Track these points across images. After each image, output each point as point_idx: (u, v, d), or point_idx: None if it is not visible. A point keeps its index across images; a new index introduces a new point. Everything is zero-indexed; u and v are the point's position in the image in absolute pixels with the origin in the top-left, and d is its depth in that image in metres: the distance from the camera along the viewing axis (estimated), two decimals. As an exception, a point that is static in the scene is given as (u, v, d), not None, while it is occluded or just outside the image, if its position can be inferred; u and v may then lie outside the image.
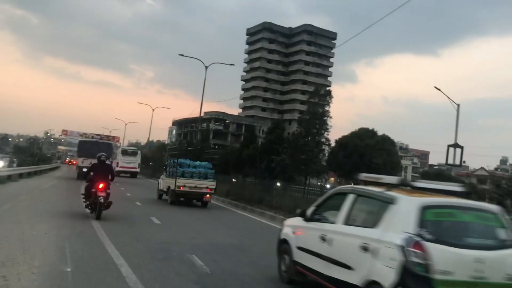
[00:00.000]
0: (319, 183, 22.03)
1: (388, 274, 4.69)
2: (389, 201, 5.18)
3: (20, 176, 27.54)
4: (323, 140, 19.09)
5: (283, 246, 7.15)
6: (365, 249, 5.10)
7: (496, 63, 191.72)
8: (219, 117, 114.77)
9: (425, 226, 4.75)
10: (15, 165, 30.77)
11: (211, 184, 19.69)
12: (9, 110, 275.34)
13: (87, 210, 12.63)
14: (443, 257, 4.55)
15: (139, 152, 50.01)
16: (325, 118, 18.96)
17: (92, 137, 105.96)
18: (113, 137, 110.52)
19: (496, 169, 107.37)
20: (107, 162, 13.44)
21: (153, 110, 72.64)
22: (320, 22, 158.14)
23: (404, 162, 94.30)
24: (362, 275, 5.03)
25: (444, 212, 4.99)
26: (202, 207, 19.45)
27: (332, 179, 45.41)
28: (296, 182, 20.30)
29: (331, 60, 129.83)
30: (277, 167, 19.23)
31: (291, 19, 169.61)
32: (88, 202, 12.62)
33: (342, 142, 15.51)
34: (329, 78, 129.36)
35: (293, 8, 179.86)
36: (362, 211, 5.72)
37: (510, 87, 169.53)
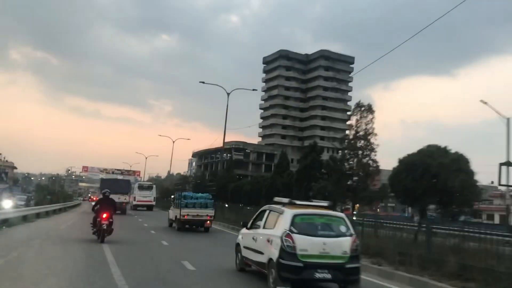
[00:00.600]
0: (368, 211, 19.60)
1: (275, 253, 8.33)
2: (280, 212, 8.98)
3: (38, 215, 25.82)
4: (370, 162, 16.53)
5: (237, 247, 10.90)
6: (268, 241, 8.80)
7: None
8: (239, 147, 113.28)
9: (294, 226, 8.37)
10: (32, 204, 28.97)
11: (211, 212, 23.40)
12: (31, 149, 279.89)
13: (95, 236, 15.30)
14: (302, 242, 8.18)
15: (154, 186, 52.39)
16: (369, 137, 16.50)
17: (113, 172, 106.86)
18: (134, 172, 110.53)
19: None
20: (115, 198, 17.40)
21: (173, 142, 72.43)
22: (334, 49, 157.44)
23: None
24: (266, 256, 8.75)
25: (306, 217, 8.68)
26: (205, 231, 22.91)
27: (357, 206, 42.43)
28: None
29: (349, 84, 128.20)
30: (317, 195, 17.01)
31: (305, 48, 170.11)
32: (94, 230, 15.49)
33: (408, 162, 13.10)
34: (348, 103, 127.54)
35: (307, 37, 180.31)
36: (270, 220, 9.33)
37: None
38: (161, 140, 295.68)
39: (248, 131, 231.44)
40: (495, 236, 10.67)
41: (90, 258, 11.28)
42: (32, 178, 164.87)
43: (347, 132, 17.61)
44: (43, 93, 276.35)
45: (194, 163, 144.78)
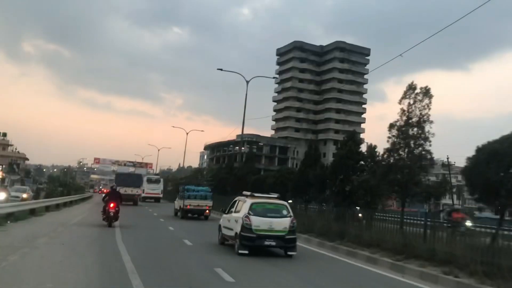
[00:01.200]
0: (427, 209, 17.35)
1: (239, 228, 12.26)
2: (244, 201, 13.05)
3: (47, 209, 24.11)
4: (424, 153, 14.53)
5: (219, 227, 14.99)
6: (236, 221, 12.82)
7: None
8: (252, 140, 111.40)
9: (251, 210, 12.39)
10: (43, 195, 27.18)
11: (209, 203, 27.30)
12: (44, 141, 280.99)
13: (104, 222, 18.48)
14: (256, 221, 12.11)
15: (161, 180, 56.36)
16: (423, 124, 14.42)
17: (125, 164, 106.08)
18: (146, 164, 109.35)
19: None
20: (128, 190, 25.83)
21: (187, 133, 71.08)
22: (347, 41, 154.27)
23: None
24: (234, 231, 12.68)
25: (260, 205, 12.75)
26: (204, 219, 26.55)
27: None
28: (378, 208, 16.15)
29: (365, 76, 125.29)
30: (358, 190, 15.02)
31: (317, 41, 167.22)
32: (104, 216, 18.70)
33: (491, 150, 11.13)
34: (364, 95, 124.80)
35: (320, 30, 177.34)
36: (238, 207, 13.45)
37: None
38: (173, 133, 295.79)
39: (260, 124, 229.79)
40: None
41: (105, 267, 9.26)
42: (44, 170, 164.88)
43: (397, 117, 15.32)
44: (55, 85, 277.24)
45: (205, 156, 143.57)
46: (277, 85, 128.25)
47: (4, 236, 12.22)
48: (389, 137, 14.89)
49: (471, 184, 11.46)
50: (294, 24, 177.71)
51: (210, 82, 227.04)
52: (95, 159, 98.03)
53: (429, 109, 14.85)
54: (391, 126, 15.01)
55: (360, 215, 15.38)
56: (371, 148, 16.35)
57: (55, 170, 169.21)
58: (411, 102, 14.73)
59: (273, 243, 12.25)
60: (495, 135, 19.11)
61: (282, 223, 12.35)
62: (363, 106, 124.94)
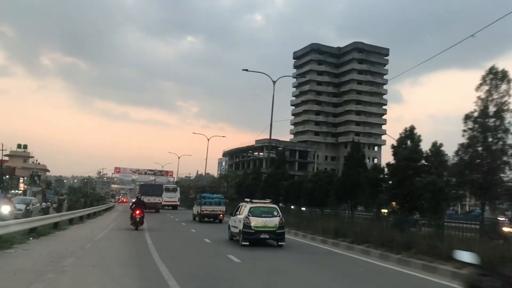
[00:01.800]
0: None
1: (241, 226, 16.25)
2: (245, 206, 17.19)
3: (71, 221, 22.67)
4: (506, 148, 12.61)
5: (228, 227, 18.69)
6: (239, 221, 16.66)
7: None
8: (271, 145, 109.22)
9: (250, 212, 16.46)
10: (65, 208, 25.65)
11: (223, 208, 31.32)
12: (63, 153, 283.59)
13: (132, 226, 21.94)
14: (253, 220, 16.17)
15: (178, 188, 61.21)
16: (503, 114, 12.43)
17: (145, 173, 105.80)
18: (167, 172, 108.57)
19: None
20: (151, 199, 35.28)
21: (208, 139, 69.41)
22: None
23: None
24: (238, 228, 16.65)
25: (256, 208, 16.80)
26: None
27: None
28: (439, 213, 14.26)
29: (384, 77, 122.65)
30: (424, 192, 13.10)
31: (331, 44, 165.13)
32: (132, 221, 22.10)
33: None
34: (384, 96, 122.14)
35: (332, 34, 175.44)
36: (241, 210, 17.28)
37: None
38: (191, 140, 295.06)
39: (279, 129, 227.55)
40: None
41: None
42: (64, 181, 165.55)
43: (476, 106, 13.22)
44: (72, 97, 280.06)
45: (224, 163, 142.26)
46: (295, 89, 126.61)
47: (26, 257, 10.65)
48: (464, 131, 13.04)
49: None
50: (307, 29, 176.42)
51: (225, 89, 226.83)
52: (115, 168, 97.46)
53: (509, 96, 12.90)
54: (467, 117, 13.15)
55: (508, 229, 12.76)
56: (436, 146, 14.44)
57: (75, 180, 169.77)
58: (490, 88, 12.76)
59: (267, 236, 16.45)
60: None
61: (273, 221, 16.49)
62: (384, 107, 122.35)
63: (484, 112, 13.08)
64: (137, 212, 21.91)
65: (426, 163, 14.36)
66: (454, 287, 9.12)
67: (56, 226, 18.88)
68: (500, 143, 12.76)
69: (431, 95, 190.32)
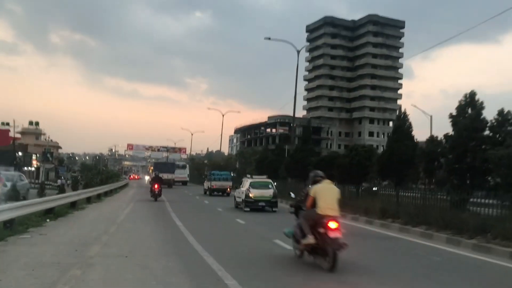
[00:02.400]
0: None
1: (243, 196, 21.59)
2: (246, 180, 22.65)
3: (88, 200, 21.24)
4: None
5: (234, 198, 23.96)
6: (242, 192, 22.02)
7: None
8: (284, 121, 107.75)
9: (251, 185, 21.67)
10: (81, 186, 24.14)
11: (229, 183, 36.41)
12: (74, 130, 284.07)
13: (151, 198, 26.41)
14: (254, 191, 21.23)
15: (187, 165, 67.32)
16: None
17: (158, 150, 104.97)
18: (180, 149, 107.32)
19: None
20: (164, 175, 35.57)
21: (223, 115, 67.76)
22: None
23: None
24: (241, 198, 22.00)
25: (255, 182, 22.09)
26: (226, 196, 34.50)
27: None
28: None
29: (400, 50, 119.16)
30: (496, 167, 11.33)
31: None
32: (151, 194, 26.57)
33: None
34: (399, 70, 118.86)
35: (343, 8, 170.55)
36: (244, 184, 22.67)
37: None
38: (203, 117, 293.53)
39: (291, 105, 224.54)
40: None
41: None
42: (76, 158, 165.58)
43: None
44: (82, 75, 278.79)
45: (235, 140, 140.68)
46: (308, 63, 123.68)
47: (44, 245, 9.09)
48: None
49: None
50: (317, 3, 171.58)
51: (234, 66, 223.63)
52: (128, 145, 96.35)
53: None
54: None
55: None
56: (503, 114, 12.57)
57: (87, 158, 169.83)
58: None
59: (264, 204, 21.03)
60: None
61: (268, 192, 21.35)
62: (399, 81, 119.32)
63: None
64: (156, 186, 26.62)
65: (491, 134, 12.54)
66: None
67: (73, 205, 17.42)
68: None
69: (442, 70, 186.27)
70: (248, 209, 20.84)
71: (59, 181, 56.04)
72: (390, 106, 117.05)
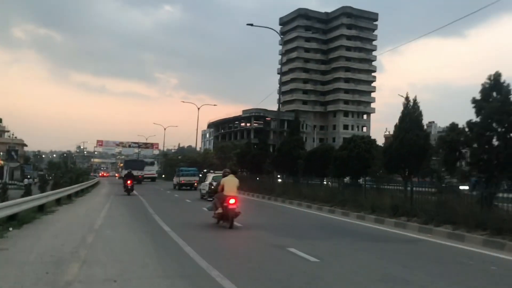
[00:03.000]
0: None
1: (207, 189, 24.79)
2: (210, 175, 27.91)
3: (58, 202, 18.91)
4: None
5: (200, 190, 28.58)
6: (206, 185, 25.88)
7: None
8: (259, 114, 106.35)
9: (213, 179, 23.93)
10: (49, 187, 21.51)
11: (196, 178, 40.50)
12: (41, 127, 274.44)
13: (124, 192, 29.57)
14: (215, 184, 17.56)
15: (155, 162, 73.61)
16: None
17: (130, 146, 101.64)
18: (152, 144, 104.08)
19: None
20: (134, 172, 35.63)
21: (198, 108, 65.39)
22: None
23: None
24: (206, 190, 25.41)
25: (217, 176, 22.06)
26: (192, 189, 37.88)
27: None
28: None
29: (373, 43, 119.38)
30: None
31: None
32: (125, 189, 29.71)
33: None
34: (373, 63, 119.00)
35: (314, 3, 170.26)
36: (207, 178, 27.79)
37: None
38: (174, 112, 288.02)
39: (265, 99, 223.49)
40: None
41: None
42: (43, 156, 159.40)
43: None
44: (48, 70, 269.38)
45: (208, 134, 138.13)
46: (281, 56, 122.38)
47: (5, 265, 7.00)
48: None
49: None
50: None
51: (204, 60, 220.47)
52: (98, 141, 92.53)
53: None
54: None
55: None
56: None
57: (54, 156, 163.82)
58: None
59: None
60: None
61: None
62: (373, 74, 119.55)
63: None
64: (128, 182, 29.84)
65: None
66: None
67: (42, 208, 15.16)
68: None
69: (411, 64, 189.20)
70: (211, 199, 21.73)
71: (25, 180, 52.62)
72: (364, 99, 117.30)
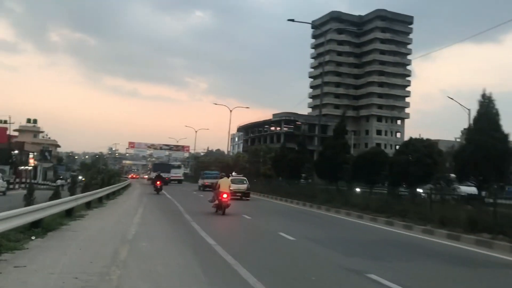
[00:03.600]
0: None
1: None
2: (227, 179, 21.07)
3: (88, 205, 17.60)
4: None
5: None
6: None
7: None
8: (289, 118, 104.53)
9: (232, 182, 22.86)
10: (78, 190, 20.10)
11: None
12: (74, 129, 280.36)
13: (154, 191, 33.90)
14: (233, 186, 22.97)
15: (182, 166, 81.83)
16: None
17: (161, 148, 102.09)
18: (183, 147, 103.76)
19: None
20: (167, 174, 55.04)
21: (230, 111, 63.86)
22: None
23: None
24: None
25: (235, 179, 31.28)
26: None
27: None
28: None
29: (408, 47, 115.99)
30: None
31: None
32: (154, 189, 34.14)
33: None
34: (408, 67, 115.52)
35: (344, 6, 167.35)
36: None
37: None
38: (204, 116, 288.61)
39: (295, 103, 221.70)
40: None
41: None
42: (76, 157, 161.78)
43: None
44: (82, 74, 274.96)
45: (237, 138, 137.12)
46: (313, 60, 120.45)
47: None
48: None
49: None
50: (317, 2, 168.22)
51: (234, 65, 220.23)
52: (129, 143, 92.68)
53: None
54: None
55: None
56: None
57: (86, 157, 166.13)
58: None
59: (240, 194, 29.11)
60: None
61: (243, 186, 29.97)
62: (407, 78, 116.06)
63: None
64: (158, 182, 34.52)
65: None
66: None
67: (70, 213, 13.81)
68: None
69: (443, 70, 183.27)
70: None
71: (58, 181, 52.45)
72: (398, 104, 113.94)
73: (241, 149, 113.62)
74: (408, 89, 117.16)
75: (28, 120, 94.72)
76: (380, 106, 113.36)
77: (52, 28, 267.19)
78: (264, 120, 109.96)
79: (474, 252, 10.22)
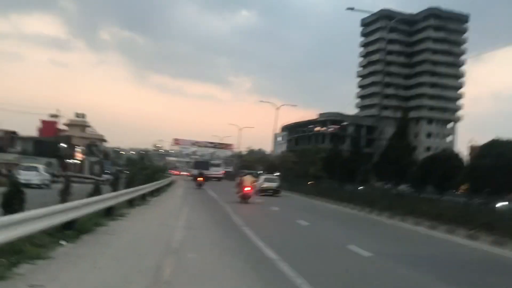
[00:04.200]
0: None
1: (259, 186, 33.23)
2: (262, 177, 37.91)
3: (131, 203, 16.25)
4: None
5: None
6: (259, 184, 33.55)
7: None
8: (335, 119, 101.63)
9: (265, 180, 36.09)
10: (122, 185, 18.61)
11: (255, 179, 38.49)
12: (121, 125, 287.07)
13: (196, 187, 38.44)
14: (265, 183, 34.80)
15: (221, 164, 79.71)
16: None
17: (205, 146, 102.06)
18: (226, 145, 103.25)
19: None
20: (206, 171, 52.61)
21: (277, 109, 62.15)
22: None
23: None
24: (259, 187, 33.17)
25: (268, 178, 37.70)
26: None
27: None
28: None
29: (462, 47, 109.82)
30: None
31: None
32: (196, 185, 38.80)
33: None
34: (461, 68, 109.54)
35: (394, 4, 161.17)
36: (260, 178, 37.81)
37: None
38: (249, 115, 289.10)
39: (341, 103, 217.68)
40: None
41: None
42: (123, 153, 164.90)
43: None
44: (130, 71, 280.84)
45: (281, 138, 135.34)
46: (362, 59, 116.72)
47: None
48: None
49: None
50: (365, 2, 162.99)
51: (278, 65, 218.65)
52: (174, 140, 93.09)
53: None
54: None
55: None
56: None
57: (132, 152, 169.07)
58: None
59: (271, 192, 32.07)
60: None
61: (274, 184, 33.58)
62: (461, 79, 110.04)
63: None
64: (199, 179, 38.77)
65: None
66: None
67: (109, 212, 12.40)
68: None
69: (496, 72, 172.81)
70: (262, 193, 30.38)
71: (104, 176, 51.76)
72: (450, 106, 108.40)
73: (284, 149, 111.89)
74: (460, 91, 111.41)
75: (77, 115, 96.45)
76: (431, 108, 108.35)
77: (102, 26, 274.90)
78: (309, 120, 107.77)
79: None
